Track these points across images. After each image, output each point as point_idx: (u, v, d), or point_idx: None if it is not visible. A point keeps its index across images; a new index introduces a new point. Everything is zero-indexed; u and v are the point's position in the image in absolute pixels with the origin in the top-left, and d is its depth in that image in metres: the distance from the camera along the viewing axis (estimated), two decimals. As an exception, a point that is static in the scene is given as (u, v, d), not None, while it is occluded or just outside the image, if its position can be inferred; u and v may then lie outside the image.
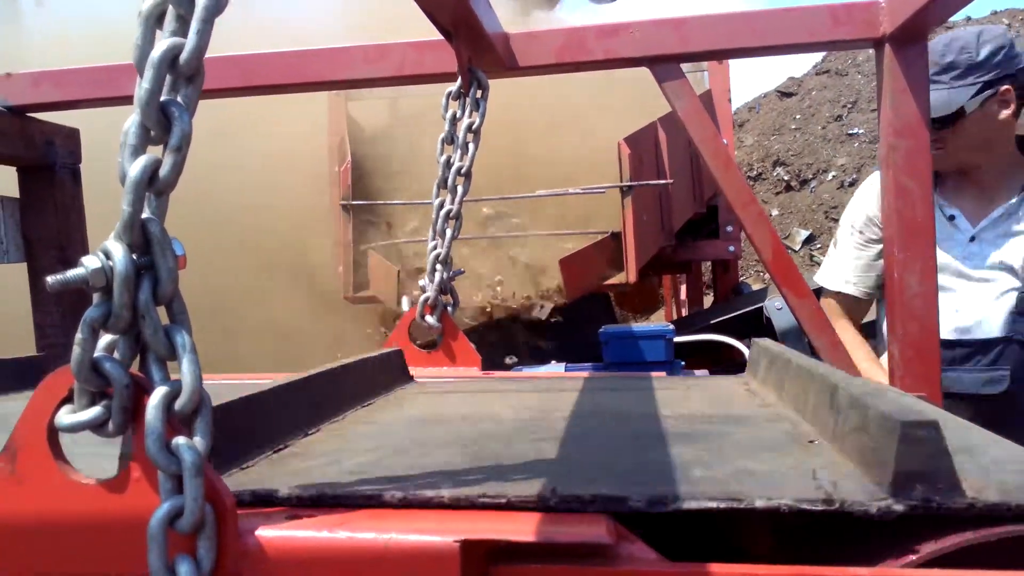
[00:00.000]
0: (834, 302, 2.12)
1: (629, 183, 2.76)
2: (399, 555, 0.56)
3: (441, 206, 1.55)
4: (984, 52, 1.85)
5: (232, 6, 0.60)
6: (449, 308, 1.56)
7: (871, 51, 1.53)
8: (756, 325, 3.19)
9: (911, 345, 1.46)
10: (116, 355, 0.57)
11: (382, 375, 1.26)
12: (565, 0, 4.54)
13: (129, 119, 0.58)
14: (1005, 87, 1.86)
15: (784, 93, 11.11)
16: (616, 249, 2.85)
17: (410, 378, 1.36)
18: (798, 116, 10.61)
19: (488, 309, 2.96)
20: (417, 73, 1.73)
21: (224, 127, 3.28)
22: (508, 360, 2.97)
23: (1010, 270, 1.87)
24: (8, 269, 1.90)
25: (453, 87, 1.56)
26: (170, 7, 0.59)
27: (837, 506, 0.58)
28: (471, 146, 1.56)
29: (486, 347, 1.69)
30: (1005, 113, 1.87)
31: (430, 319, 1.54)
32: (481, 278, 2.98)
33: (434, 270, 1.55)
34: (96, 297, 0.57)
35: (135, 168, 0.57)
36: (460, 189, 1.56)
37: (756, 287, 4.74)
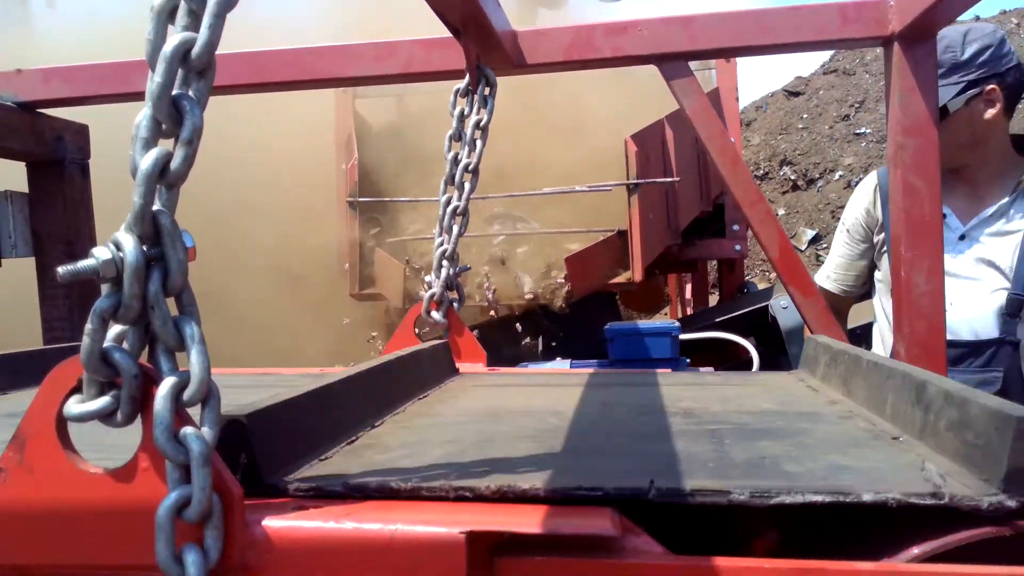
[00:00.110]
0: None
1: (636, 181, 2.76)
2: (404, 546, 0.56)
3: (448, 202, 1.55)
4: (969, 51, 1.84)
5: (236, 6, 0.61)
6: (455, 304, 1.56)
7: (879, 50, 1.53)
8: (761, 324, 3.19)
9: (918, 343, 1.46)
10: (125, 346, 0.58)
11: (432, 368, 1.28)
12: (572, -1, 4.52)
13: (141, 112, 0.58)
14: (991, 87, 1.84)
15: (791, 92, 11.07)
16: (622, 247, 2.84)
17: (456, 371, 1.38)
18: (805, 115, 10.57)
19: (490, 307, 2.96)
20: (425, 70, 1.74)
21: (230, 124, 3.28)
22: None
23: (999, 269, 1.86)
24: (14, 264, 1.91)
25: (461, 84, 1.56)
26: (182, 2, 0.60)
27: (946, 500, 0.58)
28: (479, 143, 1.56)
29: (490, 344, 1.69)
30: (991, 112, 1.85)
31: (436, 315, 1.54)
32: (485, 275, 2.97)
33: (440, 266, 1.55)
34: (106, 288, 0.57)
35: (146, 160, 0.57)
36: (467, 186, 1.55)
37: (761, 287, 4.72)
